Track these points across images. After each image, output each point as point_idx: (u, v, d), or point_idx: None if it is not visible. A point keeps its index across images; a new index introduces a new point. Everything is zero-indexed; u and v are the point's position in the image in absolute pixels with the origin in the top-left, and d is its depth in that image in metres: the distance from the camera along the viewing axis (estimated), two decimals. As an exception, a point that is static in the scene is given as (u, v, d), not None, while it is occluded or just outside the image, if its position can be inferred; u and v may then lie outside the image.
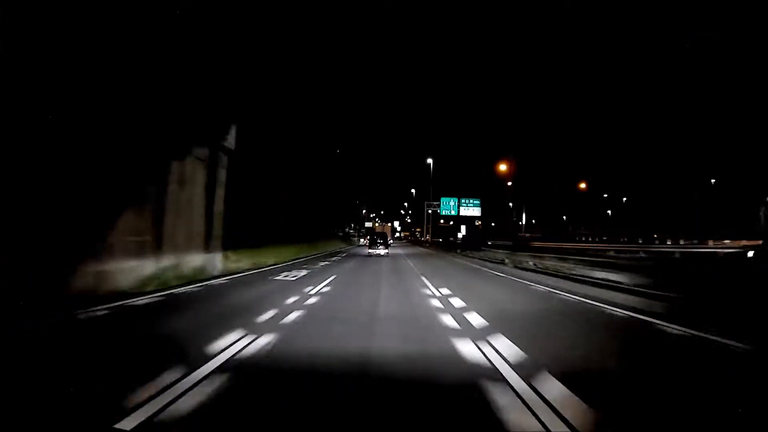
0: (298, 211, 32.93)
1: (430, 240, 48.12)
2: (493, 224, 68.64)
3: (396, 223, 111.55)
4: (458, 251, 25.77)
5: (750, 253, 15.79)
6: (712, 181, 58.57)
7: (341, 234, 72.54)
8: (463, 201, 47.95)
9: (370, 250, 24.72)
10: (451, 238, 44.56)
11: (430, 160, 45.49)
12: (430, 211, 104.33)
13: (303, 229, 30.72)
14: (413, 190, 69.73)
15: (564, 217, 66.20)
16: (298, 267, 14.88)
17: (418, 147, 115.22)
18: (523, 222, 40.70)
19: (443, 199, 47.49)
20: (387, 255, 23.26)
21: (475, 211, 48.57)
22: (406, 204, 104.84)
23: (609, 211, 79.43)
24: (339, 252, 29.70)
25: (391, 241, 60.04)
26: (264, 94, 21.43)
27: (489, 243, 29.63)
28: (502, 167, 38.00)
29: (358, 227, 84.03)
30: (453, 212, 47.66)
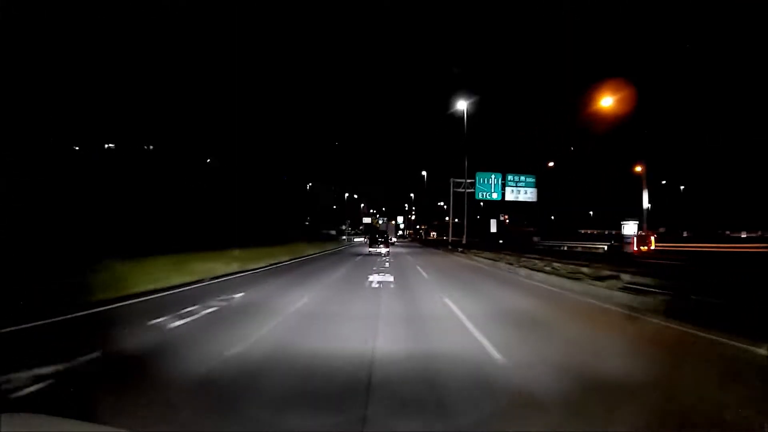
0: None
1: (463, 241, 29.81)
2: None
3: (400, 219, 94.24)
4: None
5: (605, 248, 23.62)
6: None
7: (333, 233, 57.33)
8: (510, 178, 30.50)
9: (370, 249, 22.91)
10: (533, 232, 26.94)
11: (462, 105, 27.79)
12: (440, 207, 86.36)
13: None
14: (424, 173, 52.33)
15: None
16: None
17: (431, 112, 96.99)
18: (646, 206, 22.77)
19: (480, 175, 30.01)
20: (388, 253, 21.14)
21: (529, 195, 31.09)
22: (412, 195, 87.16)
23: (649, 205, 63.19)
24: (268, 277, 12.49)
25: (394, 239, 45.88)
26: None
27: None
28: (605, 102, 20.32)
29: (350, 222, 66.99)
30: (495, 195, 30.23)
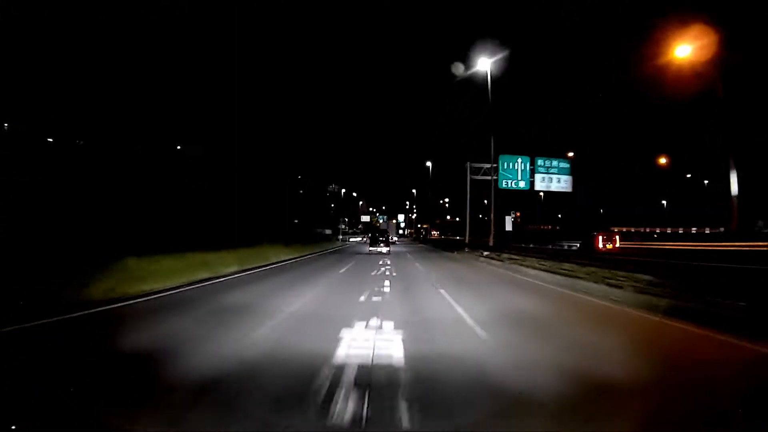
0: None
1: (490, 242, 22.89)
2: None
3: (401, 217, 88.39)
4: None
5: (577, 245, 22.80)
6: None
7: (328, 232, 52.25)
8: (539, 163, 24.45)
9: (371, 248, 22.97)
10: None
11: (485, 65, 21.62)
12: (443, 205, 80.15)
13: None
14: (429, 163, 46.20)
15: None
16: None
17: (436, 96, 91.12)
18: (735, 192, 16.35)
19: (503, 159, 23.93)
20: (389, 253, 21.86)
21: (563, 183, 25.05)
22: (414, 191, 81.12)
23: (664, 202, 57.93)
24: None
25: (395, 239, 44.26)
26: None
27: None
28: (681, 52, 14.28)
29: (347, 221, 61.44)
30: (522, 183, 24.14)
